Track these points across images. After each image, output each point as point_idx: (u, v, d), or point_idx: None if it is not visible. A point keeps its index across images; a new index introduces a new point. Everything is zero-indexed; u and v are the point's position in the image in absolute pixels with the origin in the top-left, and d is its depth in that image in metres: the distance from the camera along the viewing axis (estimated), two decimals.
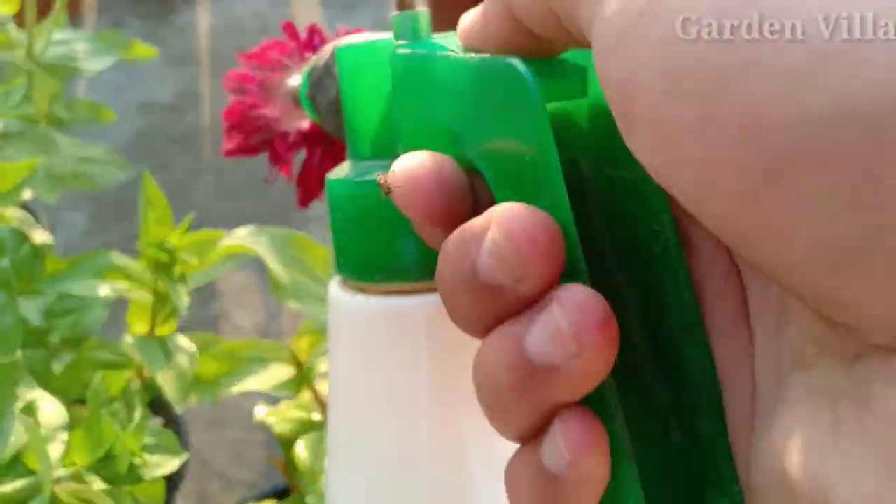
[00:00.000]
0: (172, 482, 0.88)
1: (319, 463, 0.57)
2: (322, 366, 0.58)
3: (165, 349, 0.71)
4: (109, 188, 0.77)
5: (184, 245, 0.66)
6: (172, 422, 0.93)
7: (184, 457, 0.46)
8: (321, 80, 0.28)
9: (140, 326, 0.72)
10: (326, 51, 0.28)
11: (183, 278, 0.64)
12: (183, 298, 0.63)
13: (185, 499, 1.10)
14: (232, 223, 0.63)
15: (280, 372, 0.58)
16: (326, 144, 0.34)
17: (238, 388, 0.56)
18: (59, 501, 0.43)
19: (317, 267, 0.53)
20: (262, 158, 0.36)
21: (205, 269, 0.70)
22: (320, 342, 0.60)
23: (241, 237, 0.49)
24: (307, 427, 0.61)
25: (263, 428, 1.21)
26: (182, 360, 0.70)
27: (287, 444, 0.62)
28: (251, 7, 1.89)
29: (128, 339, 0.60)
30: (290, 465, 0.63)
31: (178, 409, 0.55)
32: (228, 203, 1.45)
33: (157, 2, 1.97)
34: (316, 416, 0.61)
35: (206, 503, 1.04)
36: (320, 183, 0.34)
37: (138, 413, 0.42)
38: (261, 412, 0.64)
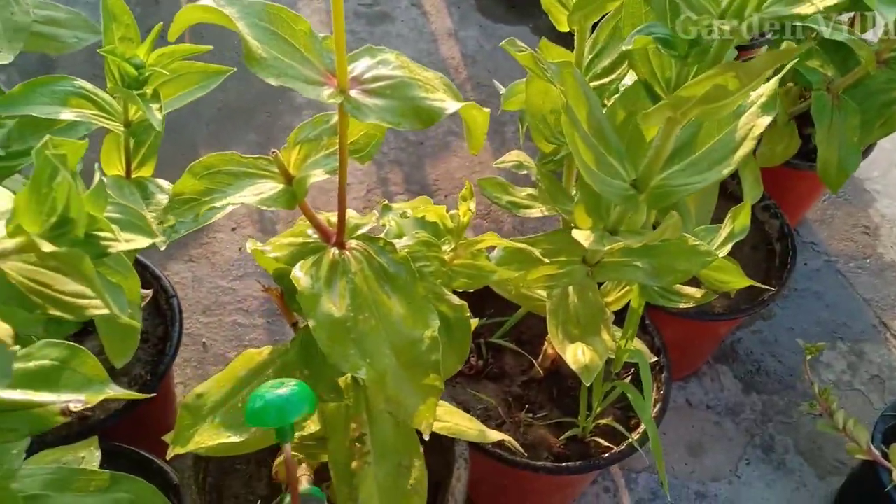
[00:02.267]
0: (167, 355, 0.83)
1: (320, 283, 0.51)
2: (315, 178, 0.52)
3: (144, 191, 0.64)
4: (77, 50, 0.70)
5: (153, 60, 0.59)
6: (167, 306, 0.88)
7: (158, 240, 0.40)
8: None
9: (114, 168, 0.66)
10: None
11: (156, 97, 0.57)
12: (157, 117, 0.57)
13: (187, 381, 1.04)
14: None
15: (267, 186, 0.51)
16: None
17: (222, 202, 0.50)
18: (9, 282, 0.36)
19: (300, 44, 0.46)
20: None
21: (179, 95, 0.63)
22: (314, 152, 0.53)
23: (206, 4, 0.42)
24: (304, 252, 0.54)
25: (262, 310, 1.15)
26: (163, 201, 0.63)
27: (282, 275, 0.56)
28: None
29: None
30: (287, 295, 0.57)
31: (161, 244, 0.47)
32: None
33: None
34: (313, 237, 0.55)
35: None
36: None
37: (97, 177, 0.36)
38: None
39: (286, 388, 0.47)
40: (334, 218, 0.55)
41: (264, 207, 0.51)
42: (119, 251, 0.36)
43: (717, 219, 0.82)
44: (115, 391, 0.43)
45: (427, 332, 0.50)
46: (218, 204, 0.50)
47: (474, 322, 0.61)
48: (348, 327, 0.49)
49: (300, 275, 0.51)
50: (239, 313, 1.12)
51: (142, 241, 0.39)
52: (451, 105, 0.46)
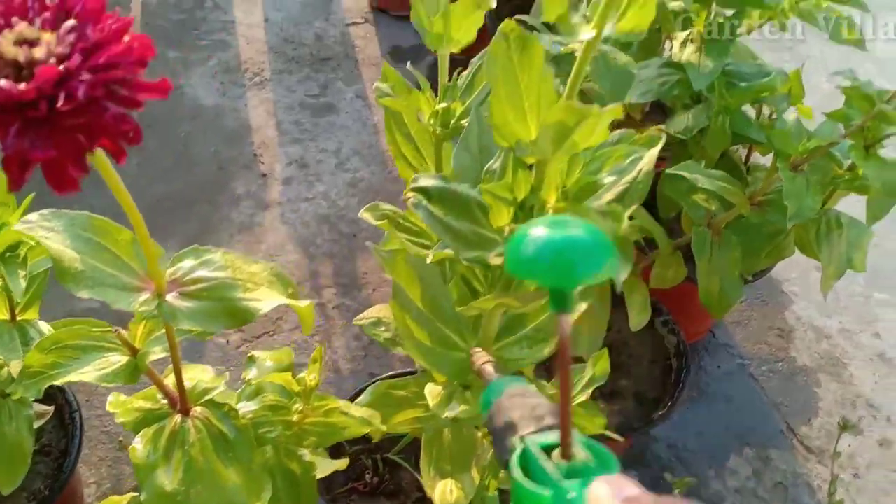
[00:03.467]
0: (65, 472, 0.86)
1: (157, 455, 0.54)
2: (158, 352, 0.55)
3: (25, 336, 0.67)
4: None
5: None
6: (69, 420, 0.91)
7: None
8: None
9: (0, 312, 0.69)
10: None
11: (24, 262, 0.61)
12: (20, 286, 0.60)
13: (101, 481, 1.07)
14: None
15: (114, 359, 0.55)
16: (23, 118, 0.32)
17: (65, 379, 0.53)
18: None
19: (122, 252, 0.49)
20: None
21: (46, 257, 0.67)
22: (157, 328, 0.57)
23: (33, 222, 0.46)
24: (150, 418, 0.58)
25: None
26: None
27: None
28: None
29: None
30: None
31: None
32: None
33: None
34: (161, 402, 0.58)
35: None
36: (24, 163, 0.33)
37: None
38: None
39: (574, 227, 0.29)
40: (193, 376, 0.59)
41: (104, 384, 0.54)
42: None
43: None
44: None
45: None
46: (61, 380, 0.54)
47: (378, 433, 0.65)
48: (179, 501, 0.53)
49: (138, 445, 0.54)
50: None
51: None
52: (267, 304, 0.50)
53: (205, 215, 1.43)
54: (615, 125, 1.36)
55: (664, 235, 0.95)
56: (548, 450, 0.31)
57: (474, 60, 0.71)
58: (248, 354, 0.66)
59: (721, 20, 0.95)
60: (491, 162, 0.47)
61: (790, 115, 0.89)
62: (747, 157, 1.10)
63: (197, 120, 1.61)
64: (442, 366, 0.59)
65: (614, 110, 0.41)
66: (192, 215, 1.43)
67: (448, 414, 0.61)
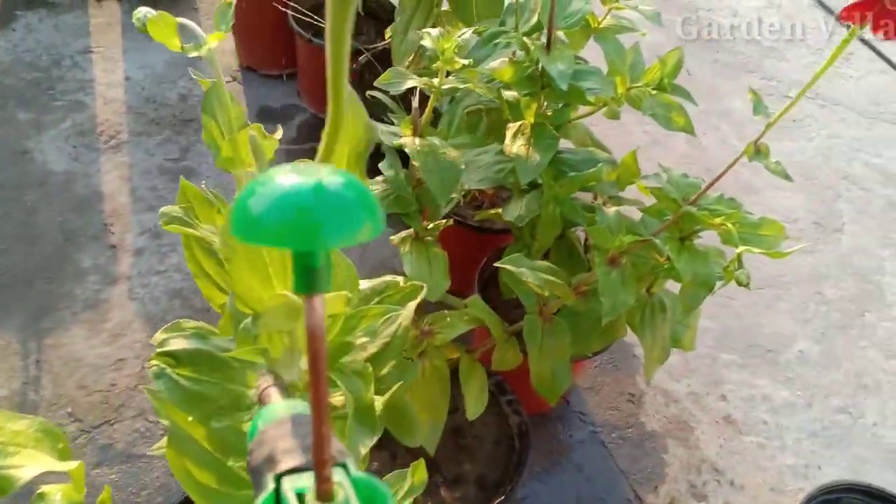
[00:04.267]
0: None
1: None
2: None
3: None
4: None
5: None
6: None
7: None
8: None
9: None
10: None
11: None
12: None
13: None
14: None
15: None
16: None
17: None
18: None
19: None
20: None
21: None
22: None
23: None
24: None
25: None
26: None
27: None
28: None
29: None
30: None
31: None
32: None
33: None
34: None
35: None
36: None
37: None
38: None
39: (320, 175, 0.23)
40: None
41: None
42: None
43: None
44: None
45: None
46: None
47: None
48: None
49: None
50: None
51: None
52: (30, 471, 0.47)
53: (46, 291, 1.36)
54: (471, 201, 1.35)
55: (498, 324, 0.97)
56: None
57: None
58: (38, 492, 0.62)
59: (550, 112, 0.97)
60: (247, 320, 0.46)
61: (612, 207, 0.92)
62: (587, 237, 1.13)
63: (44, 187, 1.54)
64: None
65: (338, 298, 0.40)
66: (31, 292, 1.36)
67: None
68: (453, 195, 0.89)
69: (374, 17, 1.69)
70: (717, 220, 0.83)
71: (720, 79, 2.06)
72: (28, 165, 1.58)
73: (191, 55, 0.60)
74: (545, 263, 0.91)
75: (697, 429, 1.35)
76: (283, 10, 1.61)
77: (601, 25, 1.10)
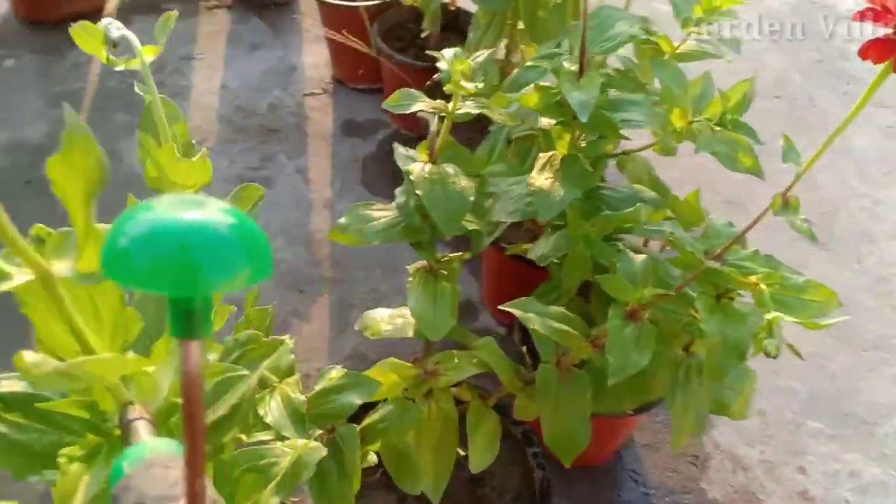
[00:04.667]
0: None
1: None
2: None
3: None
4: None
5: None
6: None
7: None
8: None
9: None
10: None
11: None
12: None
13: None
14: None
15: None
16: None
17: None
18: None
19: None
20: None
21: None
22: None
23: None
24: None
25: None
26: None
27: None
28: None
29: None
30: None
31: None
32: None
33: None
34: None
35: None
36: None
37: None
38: None
39: (201, 208, 0.21)
40: None
41: None
42: None
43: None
44: None
45: None
46: None
47: None
48: None
49: None
50: None
51: None
52: None
53: None
54: (526, 231, 1.27)
55: (509, 371, 0.88)
56: None
57: None
58: None
59: (584, 144, 0.88)
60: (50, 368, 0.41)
61: (641, 255, 0.82)
62: None
63: (126, 188, 1.59)
64: None
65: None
66: None
67: None
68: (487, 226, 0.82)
69: (462, 33, 1.64)
70: (752, 279, 0.72)
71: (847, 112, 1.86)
72: (116, 166, 1.64)
73: (118, 68, 0.57)
74: (559, 310, 0.82)
75: (767, 502, 1.20)
76: (369, 27, 1.59)
77: (678, 51, 1.00)
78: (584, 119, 0.76)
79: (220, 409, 0.39)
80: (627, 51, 1.02)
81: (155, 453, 0.28)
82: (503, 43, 1.34)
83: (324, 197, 1.61)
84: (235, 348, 0.41)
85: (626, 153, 1.04)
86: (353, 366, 1.31)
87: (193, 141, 1.73)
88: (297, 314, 1.39)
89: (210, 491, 0.25)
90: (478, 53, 0.83)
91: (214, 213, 0.20)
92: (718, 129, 0.88)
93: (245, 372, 0.38)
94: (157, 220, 0.20)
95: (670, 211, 1.02)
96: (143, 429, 0.35)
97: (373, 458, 0.88)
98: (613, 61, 0.99)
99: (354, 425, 0.81)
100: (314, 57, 1.95)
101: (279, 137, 1.74)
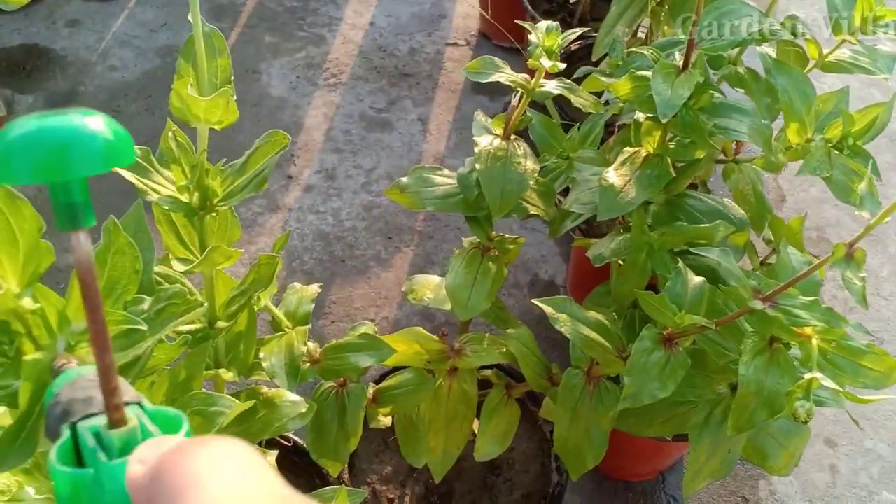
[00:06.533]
0: None
1: None
2: None
3: None
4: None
5: None
6: None
7: None
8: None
9: None
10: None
11: None
12: None
13: None
14: None
15: None
16: None
17: None
18: None
19: None
20: None
21: None
22: None
23: None
24: None
25: None
26: None
27: None
28: None
29: None
30: None
31: None
32: None
33: None
34: None
35: None
36: None
37: None
38: None
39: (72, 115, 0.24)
40: None
41: None
42: None
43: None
44: None
45: None
46: None
47: None
48: None
49: None
50: None
51: None
52: None
53: None
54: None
55: (535, 367, 0.84)
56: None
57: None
58: None
59: (673, 146, 0.81)
60: None
61: (699, 278, 0.75)
62: None
63: (257, 107, 1.65)
64: None
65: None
66: None
67: None
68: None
69: None
70: (806, 331, 0.64)
71: None
72: (253, 85, 1.69)
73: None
74: (597, 317, 0.77)
75: None
76: None
77: (827, 59, 0.90)
78: (664, 119, 0.70)
79: (121, 359, 0.38)
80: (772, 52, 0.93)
81: (76, 374, 0.31)
82: (646, 22, 1.26)
83: (436, 150, 1.60)
84: (159, 302, 0.41)
85: (735, 161, 0.95)
86: (419, 322, 1.31)
87: (329, 73, 1.75)
88: (379, 260, 1.40)
89: (127, 386, 0.28)
90: (570, 32, 0.78)
91: (84, 113, 0.23)
92: (836, 153, 0.79)
93: (144, 327, 0.37)
94: (24, 126, 0.23)
95: (771, 233, 0.93)
96: (71, 367, 0.37)
97: (386, 422, 0.88)
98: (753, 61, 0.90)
99: (364, 385, 0.80)
100: (465, 6, 1.92)
101: (410, 83, 1.73)
